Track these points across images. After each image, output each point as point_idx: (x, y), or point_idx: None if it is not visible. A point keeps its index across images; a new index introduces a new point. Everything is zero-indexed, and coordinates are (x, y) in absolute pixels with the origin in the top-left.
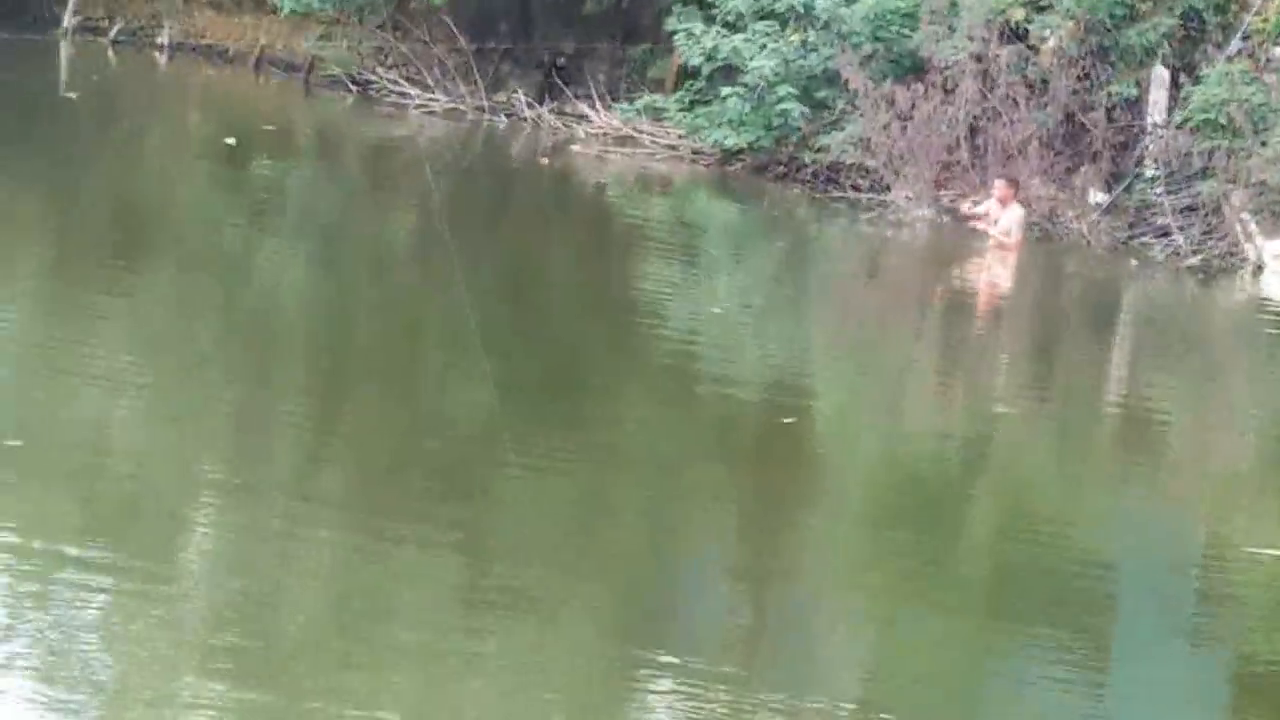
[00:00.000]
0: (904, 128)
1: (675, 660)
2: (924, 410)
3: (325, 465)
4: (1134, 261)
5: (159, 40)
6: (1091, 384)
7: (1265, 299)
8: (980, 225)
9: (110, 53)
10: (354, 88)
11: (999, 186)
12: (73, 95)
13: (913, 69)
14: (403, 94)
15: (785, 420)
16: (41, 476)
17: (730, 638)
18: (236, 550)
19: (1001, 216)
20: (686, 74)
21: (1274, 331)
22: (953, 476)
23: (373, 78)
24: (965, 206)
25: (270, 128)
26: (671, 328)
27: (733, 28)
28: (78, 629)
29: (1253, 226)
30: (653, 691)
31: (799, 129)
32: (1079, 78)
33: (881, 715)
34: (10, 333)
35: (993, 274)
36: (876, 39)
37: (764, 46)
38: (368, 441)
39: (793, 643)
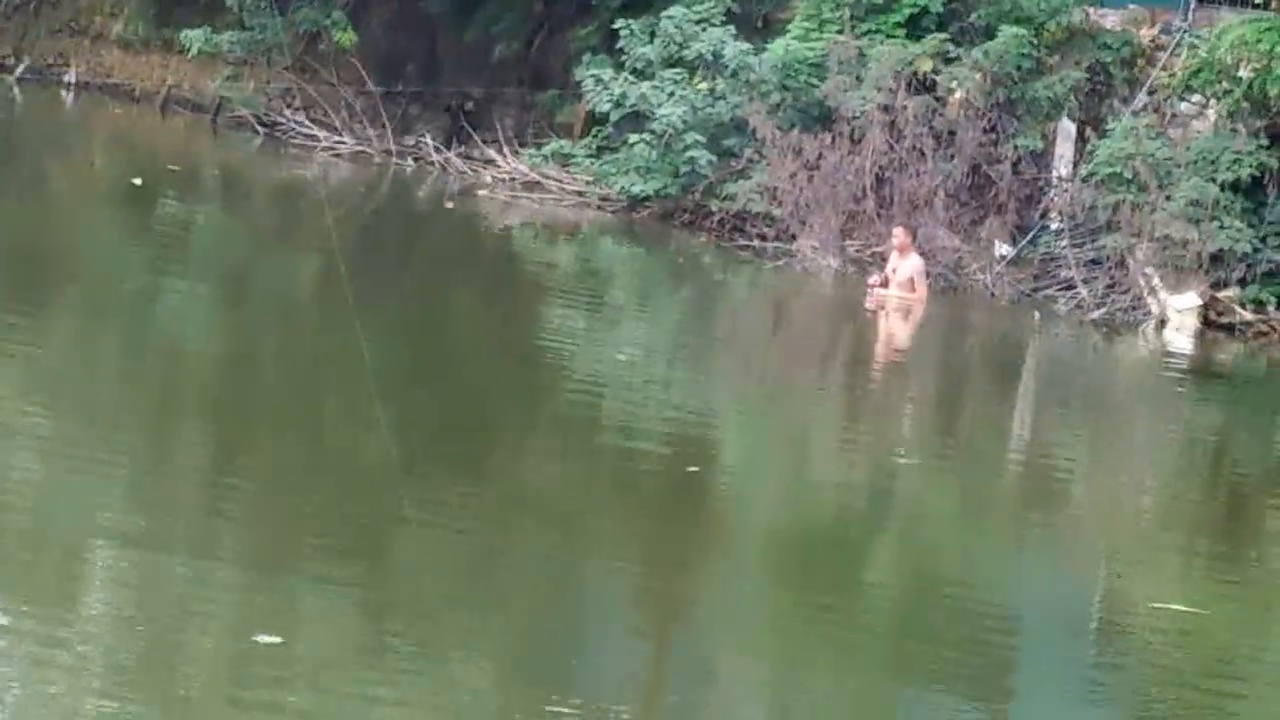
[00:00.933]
0: (810, 177)
1: (574, 709)
2: (828, 462)
3: (223, 518)
4: (1036, 314)
5: (65, 79)
6: (994, 438)
7: (1168, 353)
8: (880, 293)
9: (16, 90)
10: (261, 129)
11: (897, 235)
12: None
13: (820, 119)
14: (310, 136)
15: (690, 469)
16: None
17: (630, 693)
18: (133, 602)
19: (900, 266)
20: (594, 120)
21: (1177, 386)
22: (856, 532)
23: (280, 119)
24: (870, 280)
25: (176, 168)
26: (576, 375)
27: (641, 75)
28: None
29: (1156, 281)
30: None
31: (706, 177)
32: (985, 130)
33: None
34: None
35: (896, 325)
36: (784, 88)
37: (672, 94)
38: (266, 492)
39: (694, 692)
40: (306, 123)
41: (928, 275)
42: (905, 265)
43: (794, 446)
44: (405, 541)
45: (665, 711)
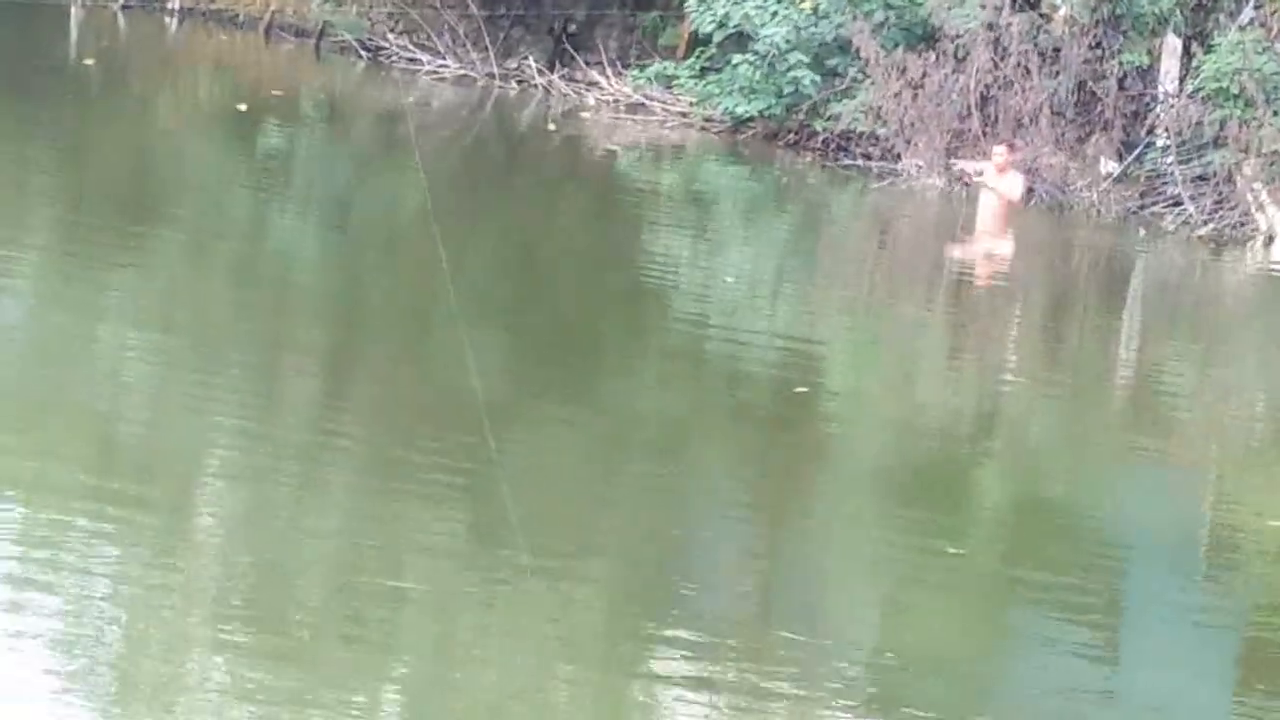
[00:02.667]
0: (915, 96)
1: (688, 634)
2: (934, 384)
3: (328, 449)
4: (1142, 231)
5: (169, 5)
6: (1104, 357)
7: (1275, 269)
8: (978, 181)
9: (120, 18)
10: (364, 54)
11: (998, 153)
12: (88, 62)
13: (924, 37)
14: (413, 60)
15: (798, 390)
16: (60, 426)
17: (744, 610)
18: (255, 499)
19: (1000, 184)
20: (698, 41)
21: None
22: (965, 455)
23: (383, 44)
24: (964, 166)
25: (280, 94)
26: (683, 299)
27: None
28: (91, 576)
29: (1264, 196)
30: (668, 660)
31: (810, 97)
32: (1091, 46)
33: (901, 682)
34: (25, 288)
35: (1004, 244)
36: (888, 6)
37: (775, 14)
38: (379, 402)
39: (806, 611)
40: (410, 47)
41: (1029, 194)
42: (1004, 182)
43: (902, 369)
44: (514, 467)
45: (776, 635)
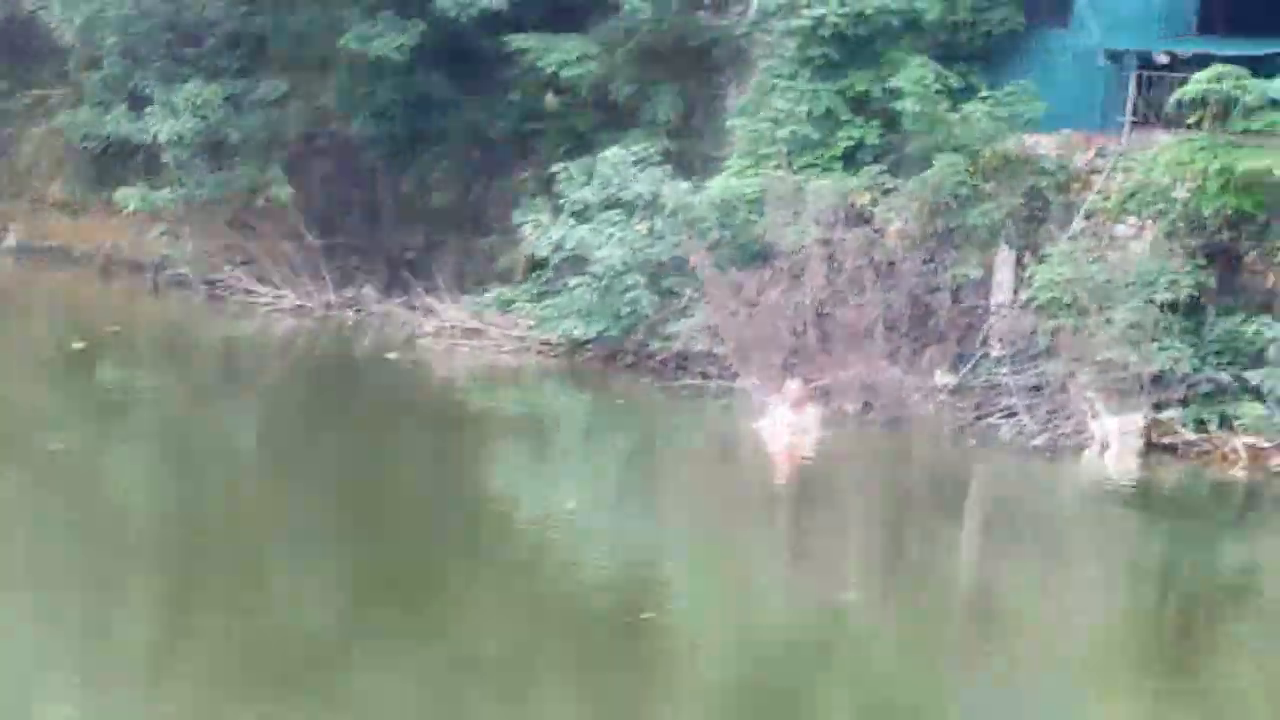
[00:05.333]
0: (751, 314)
1: None
2: (777, 604)
3: (158, 686)
4: (972, 441)
5: (6, 243)
6: (942, 573)
7: (1112, 477)
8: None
9: None
10: (202, 286)
11: (791, 390)
12: None
13: (759, 255)
14: (251, 291)
15: (644, 615)
16: None
17: None
18: None
19: (792, 418)
20: (535, 265)
21: (1121, 511)
22: (810, 672)
23: (220, 276)
24: (759, 424)
25: (118, 329)
26: (524, 526)
27: (580, 217)
28: None
29: (1098, 404)
30: None
31: (647, 317)
32: (924, 260)
33: None
34: None
35: (837, 460)
36: (723, 226)
37: (611, 236)
38: (207, 652)
39: None
40: (247, 279)
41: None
42: (799, 419)
43: (742, 592)
44: (358, 687)
45: None
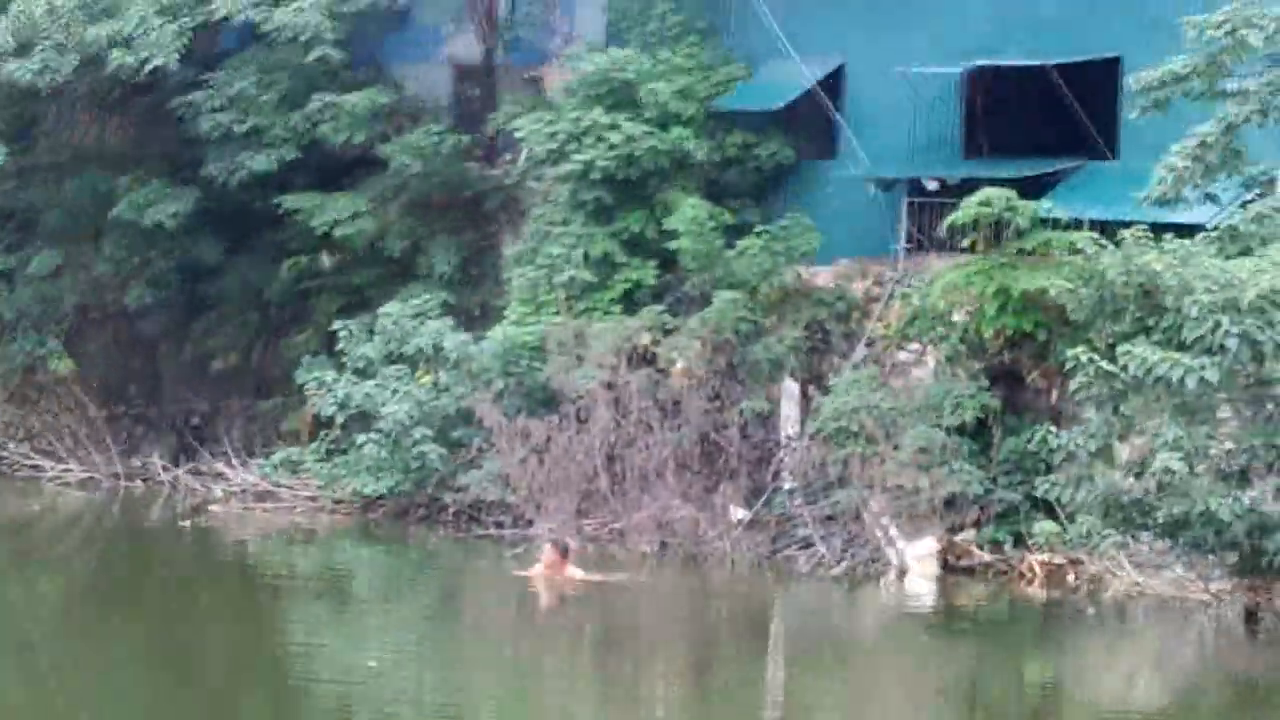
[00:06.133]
0: (541, 460)
1: None
2: None
3: None
4: (770, 575)
5: None
6: (749, 700)
7: (910, 602)
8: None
9: None
10: None
11: (547, 551)
12: None
13: (545, 402)
14: (35, 466)
15: None
16: None
17: None
18: None
19: (549, 582)
20: (321, 424)
21: (921, 636)
22: None
23: (3, 453)
24: (518, 570)
25: None
26: (326, 683)
27: (363, 374)
28: None
29: (893, 530)
30: None
31: (437, 470)
32: (710, 397)
33: None
34: None
35: (641, 603)
36: (507, 374)
37: (395, 391)
38: None
39: None
40: (30, 454)
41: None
42: (555, 581)
43: None
44: None
45: None
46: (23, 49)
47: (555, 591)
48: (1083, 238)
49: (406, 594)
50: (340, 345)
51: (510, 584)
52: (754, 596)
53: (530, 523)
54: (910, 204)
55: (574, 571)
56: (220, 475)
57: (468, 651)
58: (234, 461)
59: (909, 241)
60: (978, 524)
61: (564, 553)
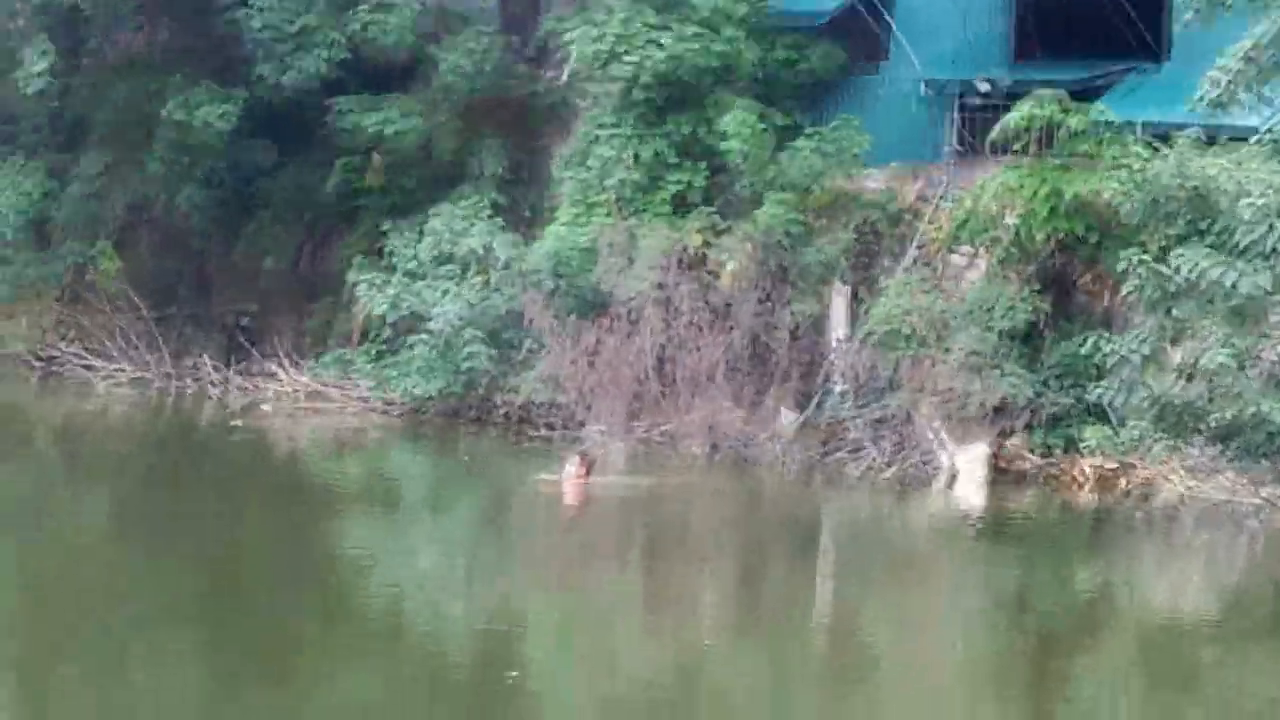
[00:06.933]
0: (592, 362)
1: None
2: (645, 653)
3: None
4: (819, 479)
5: None
6: (804, 612)
7: (960, 508)
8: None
9: None
10: (38, 364)
11: (574, 461)
12: None
13: (596, 304)
14: (87, 366)
15: (509, 676)
16: None
17: None
18: None
19: (574, 489)
20: (372, 326)
21: (974, 539)
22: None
23: (55, 353)
24: (542, 476)
25: None
26: (380, 587)
27: (414, 276)
28: None
29: (944, 434)
30: None
31: (488, 372)
32: (760, 300)
33: None
34: None
35: (685, 505)
36: (558, 276)
37: (446, 293)
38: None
39: None
40: (82, 354)
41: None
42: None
43: (607, 644)
44: None
45: None
46: None
47: (581, 498)
48: (1134, 141)
49: (457, 497)
50: (390, 247)
51: (550, 494)
52: (803, 501)
53: (582, 424)
54: (960, 108)
55: (596, 480)
56: (270, 376)
57: (516, 554)
58: (284, 363)
59: (959, 145)
60: (1029, 429)
61: (590, 465)
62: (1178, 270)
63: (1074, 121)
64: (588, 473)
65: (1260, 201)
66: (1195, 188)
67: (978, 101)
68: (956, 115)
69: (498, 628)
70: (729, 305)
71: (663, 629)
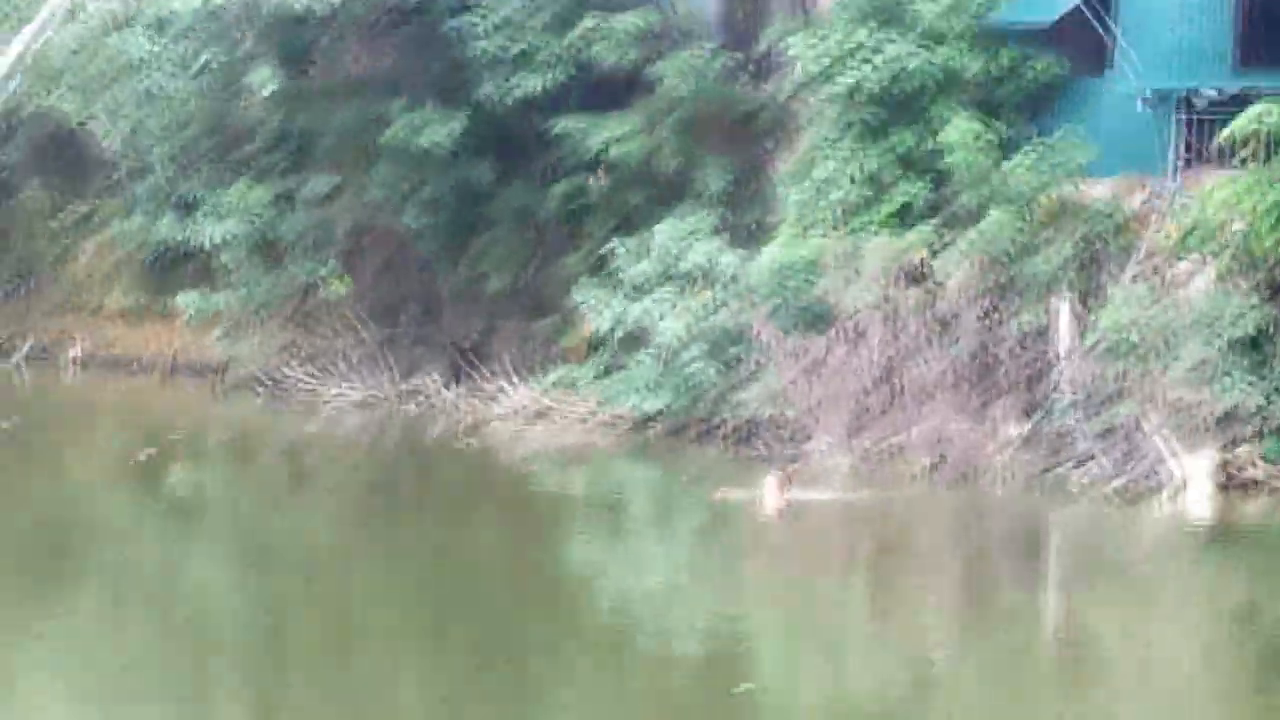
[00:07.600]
0: (817, 377)
1: None
2: (872, 667)
3: None
4: (1041, 493)
5: (71, 354)
6: (1042, 624)
7: (1188, 519)
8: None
9: (21, 370)
10: (265, 385)
11: (771, 481)
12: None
13: (820, 318)
14: (313, 389)
15: (739, 688)
16: None
17: None
18: None
19: (774, 501)
20: (596, 343)
21: (1207, 550)
22: None
23: (282, 375)
24: (721, 492)
25: (181, 437)
26: (612, 605)
27: (638, 292)
28: None
29: (1173, 444)
30: None
31: (712, 387)
32: (985, 312)
33: None
34: None
35: (913, 522)
36: (782, 289)
37: (670, 309)
38: None
39: None
40: (310, 376)
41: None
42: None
43: (837, 658)
44: None
45: None
46: None
47: (780, 514)
48: None
49: (682, 515)
50: (613, 264)
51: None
52: (1027, 515)
53: (808, 438)
54: (1184, 117)
55: (797, 495)
56: (496, 395)
57: (739, 570)
58: (512, 380)
59: (1183, 155)
60: (1258, 437)
61: (789, 480)
62: None
63: None
64: (786, 488)
65: None
66: None
67: (1202, 108)
68: (1179, 124)
69: (726, 641)
70: (954, 317)
71: (904, 633)
